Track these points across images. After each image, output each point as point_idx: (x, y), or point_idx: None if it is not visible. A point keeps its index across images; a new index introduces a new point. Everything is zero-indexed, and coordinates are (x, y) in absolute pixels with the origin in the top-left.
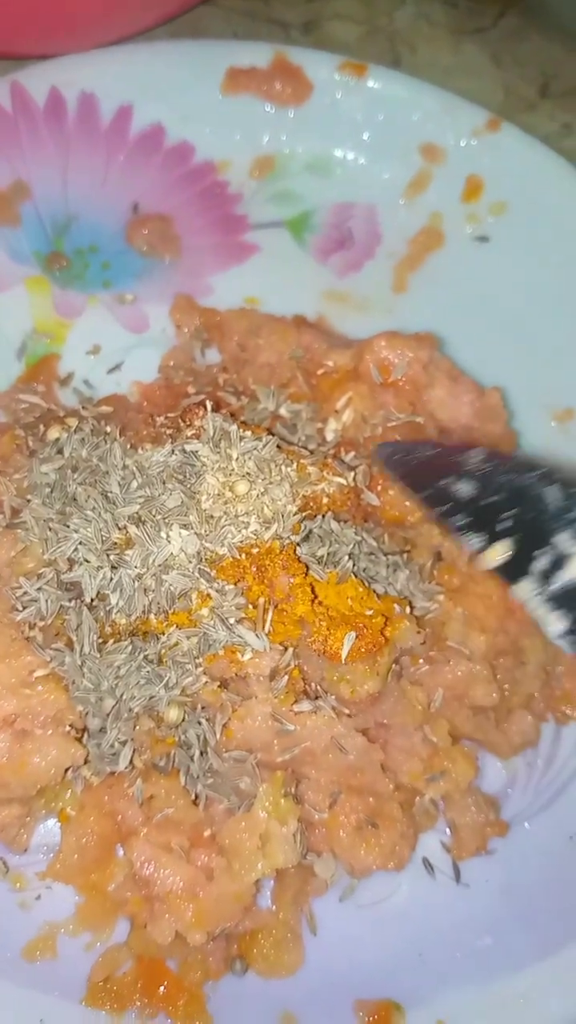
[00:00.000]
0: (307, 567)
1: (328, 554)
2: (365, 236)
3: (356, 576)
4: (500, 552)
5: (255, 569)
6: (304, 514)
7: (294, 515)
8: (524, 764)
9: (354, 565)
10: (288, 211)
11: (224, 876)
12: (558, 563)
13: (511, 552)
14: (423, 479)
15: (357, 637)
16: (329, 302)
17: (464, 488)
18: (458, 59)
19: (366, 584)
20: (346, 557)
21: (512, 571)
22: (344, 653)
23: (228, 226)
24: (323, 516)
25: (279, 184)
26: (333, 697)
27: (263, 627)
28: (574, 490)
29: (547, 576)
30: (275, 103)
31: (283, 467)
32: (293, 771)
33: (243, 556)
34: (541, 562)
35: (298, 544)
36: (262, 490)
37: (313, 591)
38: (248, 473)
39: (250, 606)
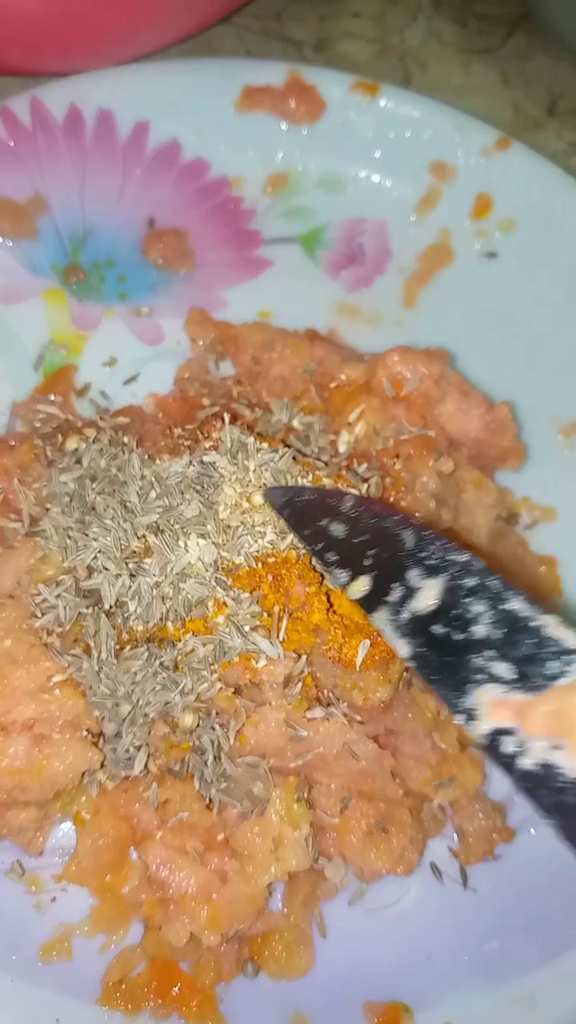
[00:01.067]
0: (322, 576)
1: None
2: (376, 252)
3: None
4: (362, 586)
5: (271, 578)
6: None
7: None
8: None
9: None
10: (301, 227)
11: (238, 879)
12: (408, 595)
13: (369, 587)
14: (304, 519)
15: (371, 645)
16: (340, 316)
17: (337, 529)
18: (468, 78)
19: None
20: None
21: (371, 602)
22: (359, 661)
23: (242, 241)
24: None
25: (292, 200)
26: (345, 704)
27: (278, 635)
28: (425, 533)
29: (399, 607)
30: (289, 121)
31: (299, 478)
32: (305, 776)
33: (259, 565)
34: (394, 594)
35: None
36: None
37: (328, 600)
38: (265, 484)
39: (265, 614)
